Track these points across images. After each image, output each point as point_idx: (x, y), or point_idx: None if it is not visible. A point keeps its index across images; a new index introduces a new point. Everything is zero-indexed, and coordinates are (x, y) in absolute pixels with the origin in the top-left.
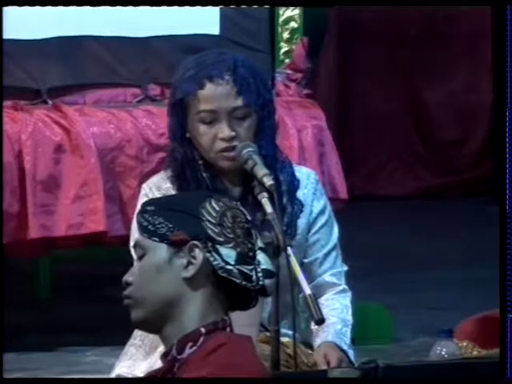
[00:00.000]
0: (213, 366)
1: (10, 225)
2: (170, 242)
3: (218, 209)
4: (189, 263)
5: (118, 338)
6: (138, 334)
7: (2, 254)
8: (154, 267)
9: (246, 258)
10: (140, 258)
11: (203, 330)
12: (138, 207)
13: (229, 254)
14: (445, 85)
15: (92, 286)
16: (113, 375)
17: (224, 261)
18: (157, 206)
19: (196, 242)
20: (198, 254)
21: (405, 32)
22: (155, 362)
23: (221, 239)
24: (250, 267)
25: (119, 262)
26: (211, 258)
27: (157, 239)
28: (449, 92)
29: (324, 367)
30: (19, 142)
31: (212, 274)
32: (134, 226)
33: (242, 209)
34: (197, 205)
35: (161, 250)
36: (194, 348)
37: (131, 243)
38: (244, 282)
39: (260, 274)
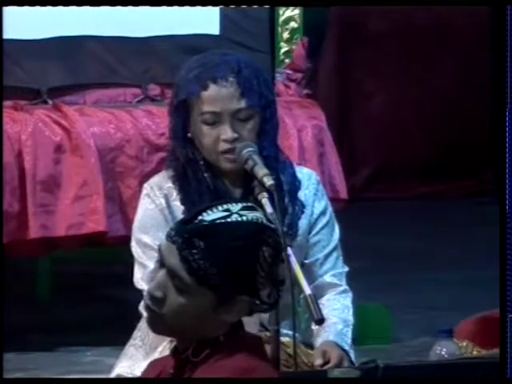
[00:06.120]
0: (228, 370)
1: (10, 225)
2: (220, 295)
3: (269, 261)
4: (232, 310)
5: (118, 338)
6: (138, 335)
7: (2, 254)
8: (196, 311)
9: (276, 287)
10: (173, 282)
11: (222, 338)
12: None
13: (265, 293)
14: (446, 85)
15: (92, 285)
16: (113, 375)
17: (262, 302)
18: (207, 244)
19: (246, 298)
20: (245, 306)
21: (405, 31)
22: None
23: (263, 286)
24: (275, 291)
25: (119, 262)
26: (254, 305)
27: (206, 287)
28: (451, 92)
29: (320, 362)
30: (19, 142)
31: None
32: (136, 224)
33: (280, 238)
34: (253, 261)
35: (207, 298)
36: (211, 353)
37: (132, 242)
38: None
39: (279, 293)
